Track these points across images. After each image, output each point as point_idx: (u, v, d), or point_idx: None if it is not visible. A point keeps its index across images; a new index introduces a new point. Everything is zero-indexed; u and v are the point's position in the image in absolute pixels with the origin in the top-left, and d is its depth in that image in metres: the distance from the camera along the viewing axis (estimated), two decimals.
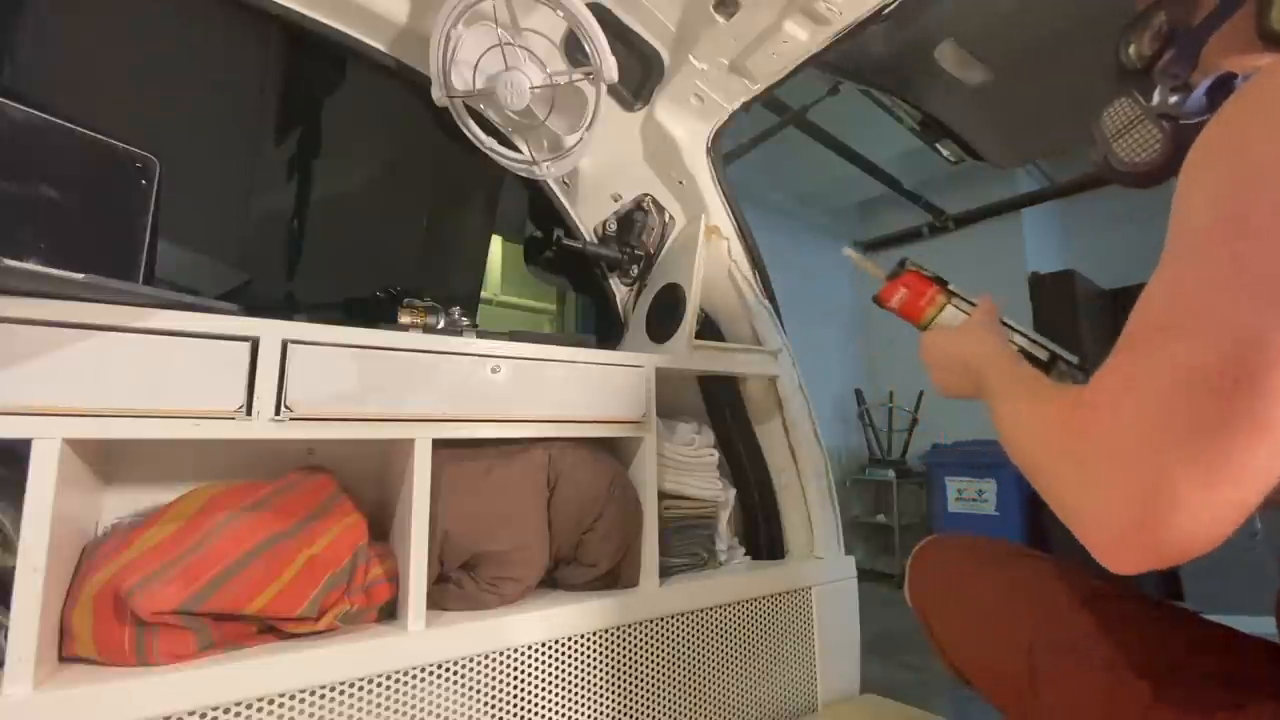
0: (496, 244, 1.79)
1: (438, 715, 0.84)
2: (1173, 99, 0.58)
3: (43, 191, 0.76)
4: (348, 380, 0.85)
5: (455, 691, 0.85)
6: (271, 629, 0.81)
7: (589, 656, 0.97)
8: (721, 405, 1.36)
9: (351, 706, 0.78)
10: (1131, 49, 0.63)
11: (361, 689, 0.79)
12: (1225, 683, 0.48)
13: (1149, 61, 0.61)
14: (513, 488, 0.99)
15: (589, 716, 0.96)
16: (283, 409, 0.79)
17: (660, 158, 1.29)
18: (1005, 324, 0.74)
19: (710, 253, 1.28)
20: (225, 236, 1.14)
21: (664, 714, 1.04)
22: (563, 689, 0.94)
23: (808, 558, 1.30)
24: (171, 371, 0.74)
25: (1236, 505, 0.35)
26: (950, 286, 0.78)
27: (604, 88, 1.03)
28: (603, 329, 1.51)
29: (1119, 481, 0.38)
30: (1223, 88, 0.55)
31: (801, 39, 1.03)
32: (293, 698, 0.75)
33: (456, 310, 1.08)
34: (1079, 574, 0.66)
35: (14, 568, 0.64)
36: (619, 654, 1.00)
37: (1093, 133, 0.65)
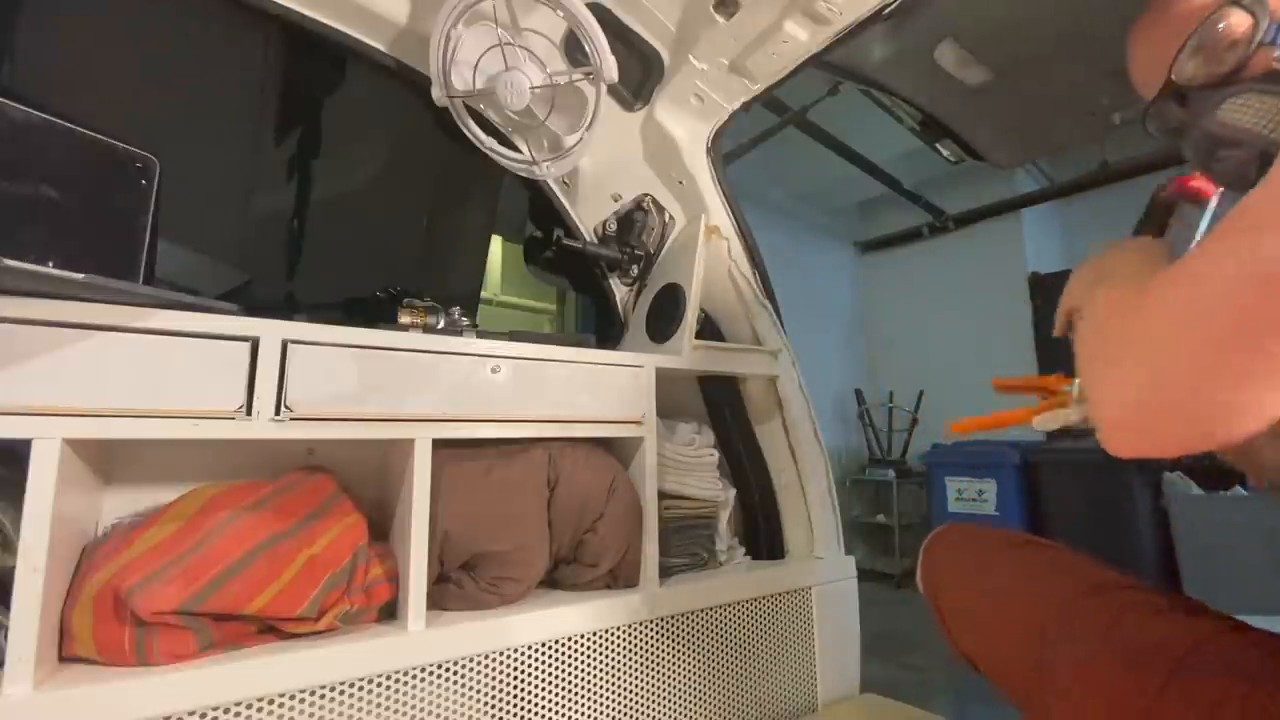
0: (496, 244, 1.79)
1: (438, 715, 0.84)
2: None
3: (43, 191, 0.76)
4: (348, 380, 0.85)
5: (455, 691, 0.85)
6: (271, 629, 0.81)
7: (589, 657, 0.97)
8: (721, 405, 1.36)
9: (351, 706, 0.78)
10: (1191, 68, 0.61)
11: (361, 689, 0.79)
12: (1234, 672, 0.49)
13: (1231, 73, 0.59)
14: (513, 488, 0.99)
15: (589, 716, 0.96)
16: (283, 409, 0.79)
17: (660, 158, 1.29)
18: None
19: (710, 253, 1.28)
20: (225, 236, 1.14)
21: (664, 714, 1.04)
22: (563, 689, 0.94)
23: (808, 558, 1.30)
24: (171, 371, 0.74)
25: (1255, 411, 0.36)
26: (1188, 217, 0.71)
27: (604, 88, 1.03)
28: (603, 329, 1.51)
29: (1142, 361, 0.40)
30: None
31: (801, 39, 1.03)
32: (293, 698, 0.75)
33: (456, 310, 1.08)
34: (1091, 564, 0.66)
35: (14, 568, 0.64)
36: (619, 654, 1.00)
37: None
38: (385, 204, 1.33)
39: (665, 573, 1.12)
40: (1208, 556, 2.57)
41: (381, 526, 0.95)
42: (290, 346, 0.81)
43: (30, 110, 0.76)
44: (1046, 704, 0.60)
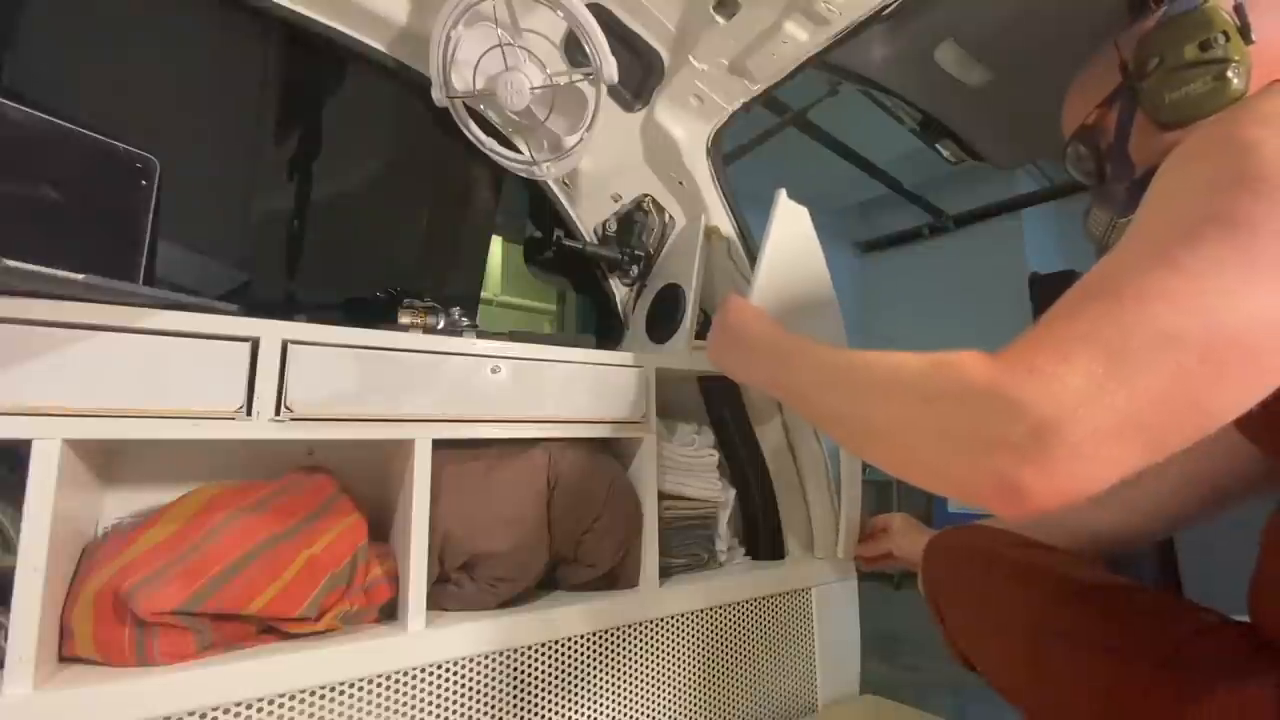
0: (496, 244, 1.78)
1: (438, 715, 0.84)
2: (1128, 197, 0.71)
3: (43, 192, 0.76)
4: (348, 380, 0.85)
5: (455, 691, 0.85)
6: (271, 629, 0.81)
7: (589, 657, 0.97)
8: (721, 405, 1.36)
9: (351, 706, 0.78)
10: (1080, 171, 0.81)
11: (361, 689, 0.79)
12: (1224, 668, 0.49)
13: (1098, 176, 0.77)
14: (512, 488, 0.99)
15: (589, 717, 0.96)
16: (283, 409, 0.79)
17: (660, 158, 1.29)
18: None
19: (710, 253, 1.28)
20: (225, 236, 1.14)
21: (664, 714, 1.04)
22: (563, 689, 0.94)
23: (808, 558, 1.30)
24: (171, 372, 0.74)
25: (1134, 462, 0.37)
26: None
27: (604, 88, 1.03)
28: (603, 329, 1.51)
29: (1009, 422, 0.39)
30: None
31: (801, 39, 1.02)
32: (293, 698, 0.75)
33: (456, 310, 1.08)
34: (1083, 564, 0.67)
35: (14, 568, 0.64)
36: (619, 654, 1.00)
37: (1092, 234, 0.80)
38: (385, 204, 1.33)
39: (665, 573, 1.12)
40: (1208, 555, 2.56)
41: (381, 526, 0.95)
42: (290, 347, 0.81)
43: (30, 110, 0.76)
44: (1040, 702, 0.61)
